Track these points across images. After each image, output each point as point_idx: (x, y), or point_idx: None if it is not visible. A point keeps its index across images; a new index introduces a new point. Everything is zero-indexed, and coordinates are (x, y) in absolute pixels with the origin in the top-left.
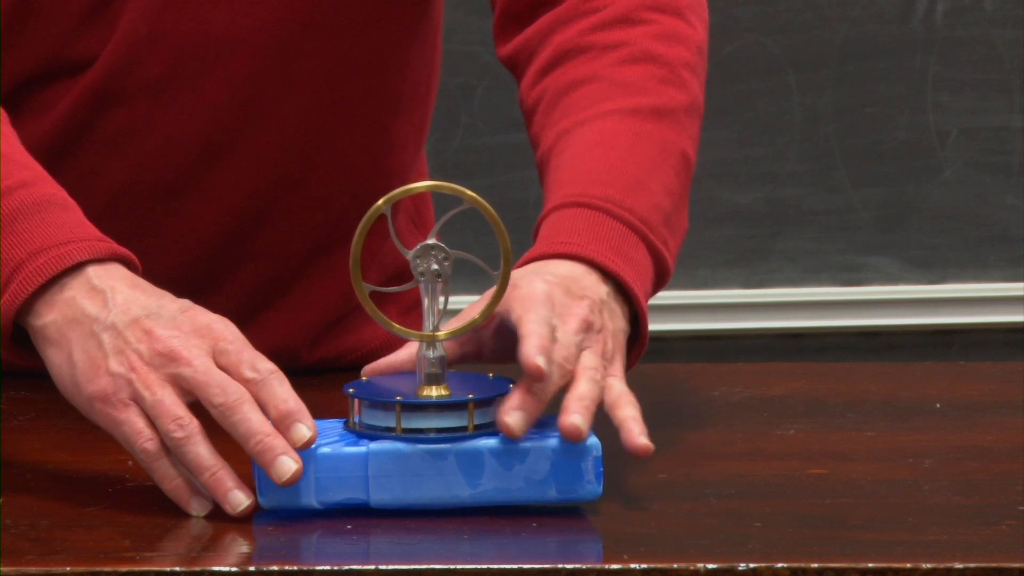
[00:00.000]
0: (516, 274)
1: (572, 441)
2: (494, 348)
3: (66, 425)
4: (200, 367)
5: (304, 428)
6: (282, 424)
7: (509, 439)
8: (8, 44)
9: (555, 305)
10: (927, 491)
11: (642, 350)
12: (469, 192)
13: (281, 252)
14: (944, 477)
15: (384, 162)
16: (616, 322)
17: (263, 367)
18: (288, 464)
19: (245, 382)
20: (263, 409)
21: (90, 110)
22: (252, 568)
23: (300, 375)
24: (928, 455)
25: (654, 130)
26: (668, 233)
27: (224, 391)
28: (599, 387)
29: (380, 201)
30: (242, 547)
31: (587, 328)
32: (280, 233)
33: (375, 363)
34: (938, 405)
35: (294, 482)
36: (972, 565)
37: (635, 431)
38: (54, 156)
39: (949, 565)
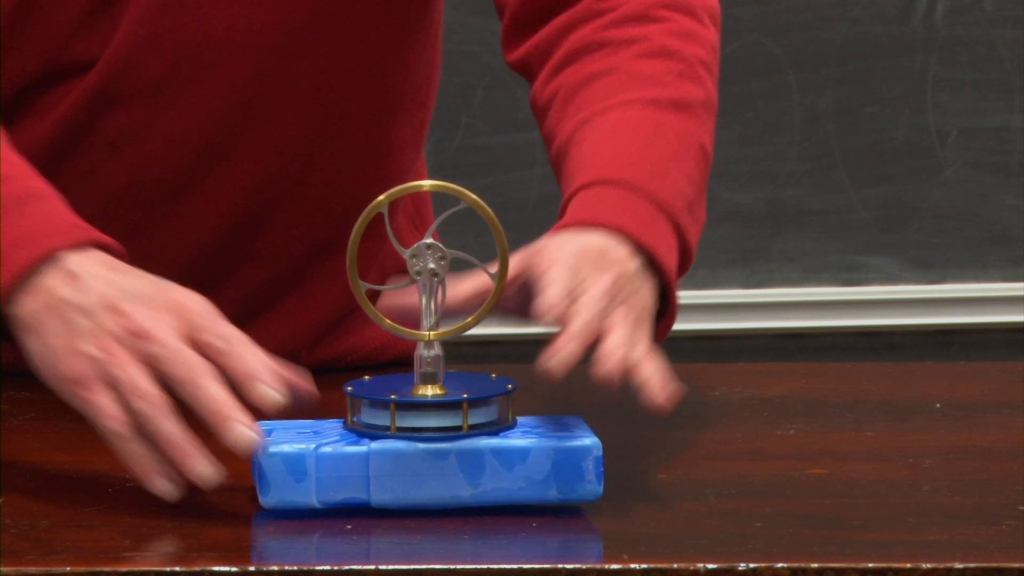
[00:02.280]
0: (545, 240)
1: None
2: (515, 306)
3: (66, 425)
4: (168, 343)
5: (269, 389)
6: (247, 385)
7: (509, 438)
8: (10, 47)
9: (580, 271)
10: (927, 491)
11: (670, 324)
12: (470, 194)
13: (281, 254)
14: (944, 477)
15: (384, 163)
16: (643, 296)
17: (233, 336)
18: (244, 433)
19: (217, 353)
20: (233, 377)
21: (90, 111)
22: (252, 568)
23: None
24: (928, 455)
25: (674, 121)
26: (690, 220)
27: (188, 366)
28: (630, 339)
29: (381, 196)
30: (242, 547)
31: (611, 297)
32: (280, 235)
33: (388, 302)
34: (938, 405)
35: (252, 451)
36: (972, 565)
37: (656, 387)
38: (53, 157)
39: (949, 565)
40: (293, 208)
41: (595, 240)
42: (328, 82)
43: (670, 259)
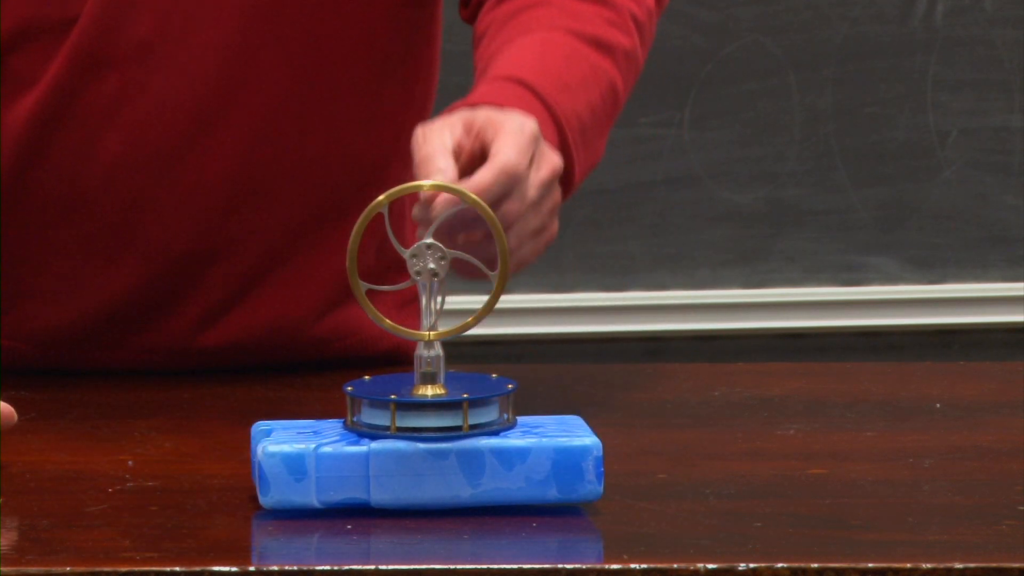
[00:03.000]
0: (493, 113)
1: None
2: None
3: (66, 425)
4: None
5: None
6: None
7: (509, 438)
8: None
9: (534, 153)
10: (927, 491)
11: None
12: (470, 194)
13: (277, 222)
14: (944, 477)
15: (379, 132)
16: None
17: None
18: None
19: None
20: None
21: (79, 74)
22: (252, 568)
23: (309, 366)
24: (928, 455)
25: (590, 55)
26: (580, 143)
27: None
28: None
29: (381, 196)
30: (242, 547)
31: (549, 185)
32: (275, 201)
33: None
34: (938, 405)
35: None
36: (972, 565)
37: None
38: (48, 127)
39: (949, 565)
40: (288, 173)
41: (533, 125)
42: (317, 41)
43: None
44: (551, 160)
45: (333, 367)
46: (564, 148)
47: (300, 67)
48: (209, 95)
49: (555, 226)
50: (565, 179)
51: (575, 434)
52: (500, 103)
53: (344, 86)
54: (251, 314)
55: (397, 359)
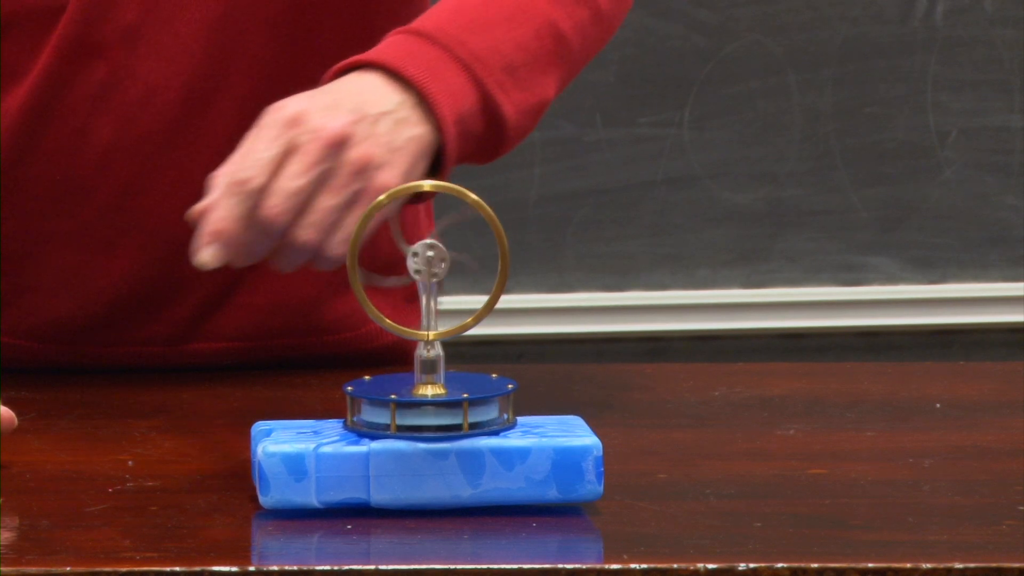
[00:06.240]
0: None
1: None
2: None
3: (66, 425)
4: None
5: None
6: None
7: (509, 438)
8: None
9: (288, 129)
10: (927, 491)
11: (444, 175)
12: (470, 194)
13: None
14: (944, 477)
15: None
16: (403, 131)
17: None
18: None
19: None
20: None
21: (68, 63)
22: (252, 568)
23: (311, 363)
24: (928, 455)
25: None
26: (509, 81)
27: None
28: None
29: (382, 196)
30: (242, 547)
31: (339, 143)
32: None
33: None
34: (938, 405)
35: None
36: (972, 565)
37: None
38: (40, 117)
39: (949, 565)
40: None
41: (353, 82)
42: (302, 16)
43: (449, 101)
44: (315, 136)
45: (336, 362)
46: (478, 83)
47: (287, 43)
48: (197, 76)
49: (376, 181)
50: (494, 116)
51: (575, 434)
52: (382, 59)
53: (331, 61)
54: (251, 297)
55: (400, 354)
